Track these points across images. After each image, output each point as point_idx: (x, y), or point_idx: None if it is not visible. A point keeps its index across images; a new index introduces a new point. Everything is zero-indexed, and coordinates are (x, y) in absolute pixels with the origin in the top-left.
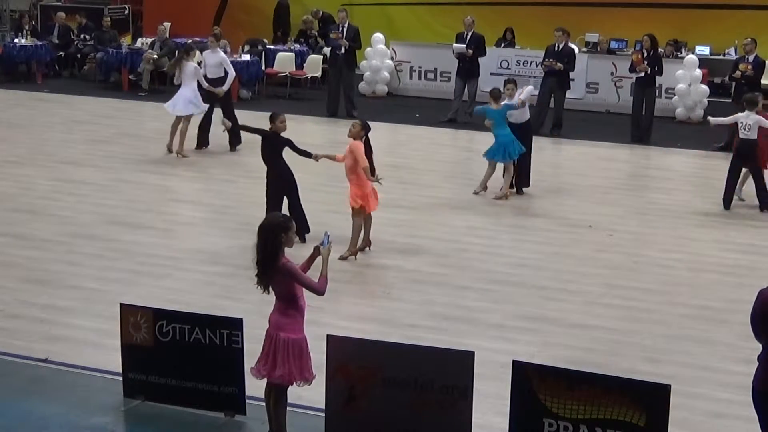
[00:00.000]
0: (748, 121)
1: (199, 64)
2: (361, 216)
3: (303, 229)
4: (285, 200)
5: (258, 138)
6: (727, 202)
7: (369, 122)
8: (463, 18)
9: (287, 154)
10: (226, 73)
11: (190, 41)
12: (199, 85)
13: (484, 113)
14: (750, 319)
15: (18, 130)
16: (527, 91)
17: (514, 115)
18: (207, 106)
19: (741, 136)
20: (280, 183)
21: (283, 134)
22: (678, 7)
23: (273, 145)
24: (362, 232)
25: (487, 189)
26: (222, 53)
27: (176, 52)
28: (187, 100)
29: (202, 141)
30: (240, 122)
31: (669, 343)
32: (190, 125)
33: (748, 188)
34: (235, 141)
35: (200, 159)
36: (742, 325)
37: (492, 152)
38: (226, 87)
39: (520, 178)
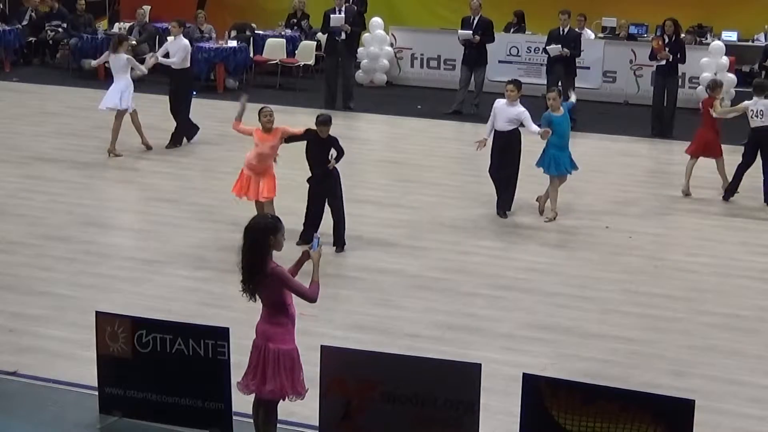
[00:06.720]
0: (758, 107)
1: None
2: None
3: None
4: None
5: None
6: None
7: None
8: (470, 1)
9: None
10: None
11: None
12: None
13: (550, 121)
14: None
15: None
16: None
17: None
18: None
19: (753, 125)
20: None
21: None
22: None
23: None
24: None
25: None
26: (185, 40)
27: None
28: (119, 92)
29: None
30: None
31: (693, 355)
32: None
33: (695, 182)
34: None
35: (181, 155)
36: None
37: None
38: (150, 63)
39: (503, 198)
